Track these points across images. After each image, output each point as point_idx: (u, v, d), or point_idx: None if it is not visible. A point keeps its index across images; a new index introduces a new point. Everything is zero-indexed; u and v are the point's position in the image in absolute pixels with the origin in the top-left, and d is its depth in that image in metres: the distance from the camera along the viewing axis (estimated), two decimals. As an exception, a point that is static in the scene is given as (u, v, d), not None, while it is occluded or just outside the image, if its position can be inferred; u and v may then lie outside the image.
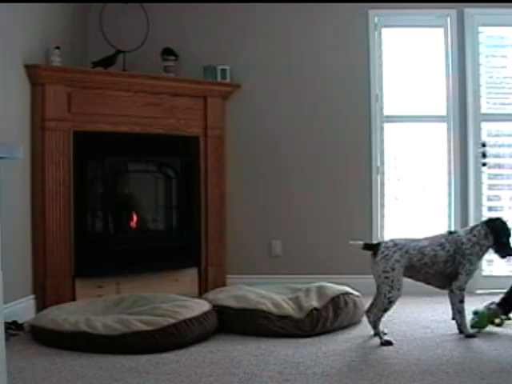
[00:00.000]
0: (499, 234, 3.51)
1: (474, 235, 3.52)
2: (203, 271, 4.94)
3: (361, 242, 3.56)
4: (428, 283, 3.62)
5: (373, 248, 3.50)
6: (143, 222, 4.91)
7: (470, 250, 3.49)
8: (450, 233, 3.65)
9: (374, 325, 3.48)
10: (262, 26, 5.10)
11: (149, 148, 4.71)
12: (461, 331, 3.55)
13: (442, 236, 3.60)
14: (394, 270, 3.40)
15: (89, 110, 4.41)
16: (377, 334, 3.45)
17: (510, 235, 3.54)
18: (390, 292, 3.38)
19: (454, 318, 3.62)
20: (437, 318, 4.00)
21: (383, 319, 3.48)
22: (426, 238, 3.59)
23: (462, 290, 3.52)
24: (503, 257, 3.60)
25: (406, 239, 3.54)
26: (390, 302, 3.40)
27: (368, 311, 3.61)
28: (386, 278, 3.40)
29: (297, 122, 5.08)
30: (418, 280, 3.60)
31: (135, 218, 4.81)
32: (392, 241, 3.51)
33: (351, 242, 3.61)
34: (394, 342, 3.37)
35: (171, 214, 4.92)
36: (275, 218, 5.09)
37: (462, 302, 3.53)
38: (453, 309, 3.59)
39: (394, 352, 3.23)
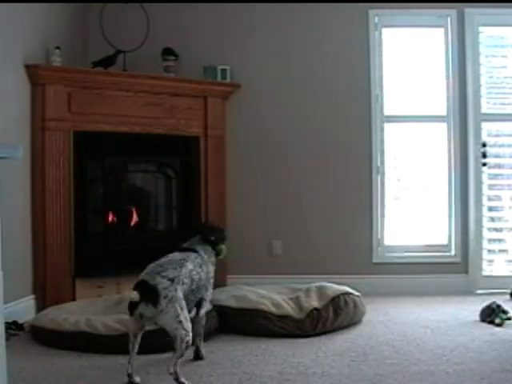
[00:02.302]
0: (215, 244, 3.24)
1: (211, 253, 3.21)
2: (203, 271, 4.93)
3: (135, 298, 2.80)
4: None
5: (148, 293, 2.75)
6: (143, 222, 4.90)
7: (213, 272, 3.19)
8: (194, 251, 3.14)
9: (177, 376, 2.69)
10: (262, 26, 5.10)
11: (149, 148, 4.71)
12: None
13: (195, 256, 3.08)
14: (182, 309, 2.78)
15: (89, 110, 4.41)
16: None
17: (220, 239, 3.28)
18: (186, 335, 2.74)
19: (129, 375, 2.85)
20: (437, 318, 4.00)
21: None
22: (185, 259, 3.00)
23: (204, 317, 3.18)
24: None
25: (173, 268, 2.89)
26: (188, 347, 2.76)
27: (130, 363, 2.83)
28: (180, 321, 2.73)
29: (297, 121, 5.08)
30: None
31: (135, 218, 4.81)
32: (165, 277, 2.80)
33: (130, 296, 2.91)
34: None
35: (171, 214, 4.93)
36: (275, 218, 5.09)
37: (203, 326, 3.20)
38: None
39: (394, 352, 3.23)
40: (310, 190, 5.07)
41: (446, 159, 5.05)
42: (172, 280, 2.81)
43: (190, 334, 2.76)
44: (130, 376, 2.81)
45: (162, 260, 3.01)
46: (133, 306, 2.79)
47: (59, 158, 4.27)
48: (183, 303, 2.81)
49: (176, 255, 3.06)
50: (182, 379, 2.70)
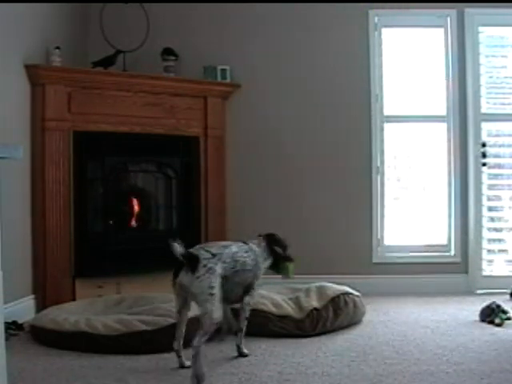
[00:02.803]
0: (277, 253, 3.31)
1: (264, 251, 3.28)
2: (203, 271, 4.93)
3: (181, 248, 2.86)
4: (225, 297, 3.00)
5: (190, 260, 2.89)
6: (143, 222, 4.90)
7: (263, 264, 3.27)
8: (244, 242, 3.24)
9: (197, 353, 2.78)
10: (262, 26, 5.10)
11: (149, 148, 4.71)
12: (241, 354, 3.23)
13: (242, 245, 3.19)
14: (217, 286, 2.90)
15: (89, 110, 4.41)
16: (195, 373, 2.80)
17: (284, 254, 3.34)
18: (214, 311, 2.85)
19: (177, 350, 3.04)
20: (437, 317, 4.00)
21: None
22: (232, 244, 3.14)
23: (250, 305, 3.25)
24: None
25: (217, 246, 3.06)
26: (215, 325, 2.87)
27: (178, 340, 3.02)
28: (211, 294, 2.86)
29: (297, 122, 5.09)
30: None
31: (135, 218, 4.81)
32: (207, 251, 2.96)
33: (172, 244, 2.90)
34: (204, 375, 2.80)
35: (171, 214, 4.93)
36: (275, 218, 5.08)
37: (247, 319, 3.24)
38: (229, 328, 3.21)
39: (394, 352, 3.23)
40: (309, 190, 5.07)
41: (446, 159, 5.05)
42: (214, 255, 2.95)
43: (219, 313, 2.86)
44: (177, 352, 3.00)
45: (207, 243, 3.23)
46: (175, 275, 2.93)
47: (59, 158, 4.27)
48: (219, 281, 2.91)
49: (222, 242, 3.24)
50: (201, 360, 2.75)
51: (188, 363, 2.90)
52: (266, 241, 3.32)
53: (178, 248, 2.85)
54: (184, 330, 3.01)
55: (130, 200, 4.81)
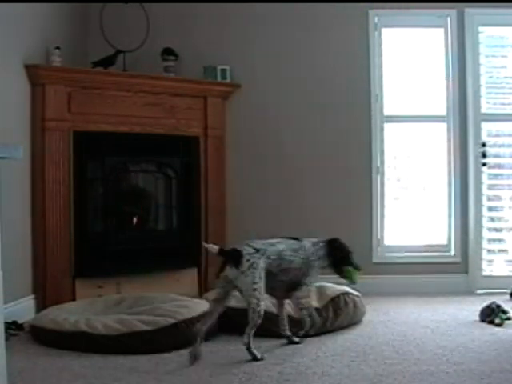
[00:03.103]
0: (337, 257, 3.40)
1: (319, 249, 3.39)
2: (203, 271, 4.94)
3: (216, 247, 3.11)
4: (271, 293, 3.29)
5: (232, 255, 3.08)
6: (143, 222, 4.91)
7: (317, 263, 3.36)
8: (296, 238, 3.40)
9: (248, 345, 3.07)
10: (262, 26, 5.10)
11: (149, 148, 4.71)
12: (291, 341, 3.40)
13: (292, 242, 3.34)
14: (261, 279, 3.07)
15: (89, 110, 4.41)
16: (252, 354, 3.10)
17: (347, 258, 3.43)
18: (258, 305, 3.05)
19: (286, 333, 3.42)
20: (437, 317, 4.00)
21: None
22: (279, 242, 3.30)
23: (303, 299, 3.37)
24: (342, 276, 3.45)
25: (262, 243, 3.22)
26: (260, 317, 3.07)
27: (200, 328, 3.14)
28: (255, 289, 3.05)
29: (297, 121, 5.09)
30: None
31: (135, 218, 4.81)
32: (251, 246, 3.14)
33: (205, 245, 3.18)
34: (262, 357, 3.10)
35: (171, 214, 4.93)
36: (275, 218, 5.08)
37: (309, 309, 3.41)
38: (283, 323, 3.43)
39: (394, 352, 3.23)
40: (309, 190, 5.07)
41: (446, 159, 5.05)
42: (257, 250, 3.11)
43: (262, 305, 3.04)
44: (196, 334, 3.09)
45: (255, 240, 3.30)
46: (221, 269, 3.09)
47: (59, 158, 4.27)
48: (262, 274, 3.07)
49: (272, 239, 3.31)
50: (254, 351, 3.05)
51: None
52: (328, 244, 3.42)
53: (213, 248, 3.07)
54: (214, 320, 3.20)
55: (130, 200, 4.81)
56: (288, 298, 3.41)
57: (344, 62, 5.06)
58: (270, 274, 3.15)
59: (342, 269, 3.41)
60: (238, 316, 3.67)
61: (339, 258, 3.40)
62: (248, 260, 3.05)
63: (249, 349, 3.06)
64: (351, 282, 3.47)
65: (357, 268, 3.43)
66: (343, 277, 3.45)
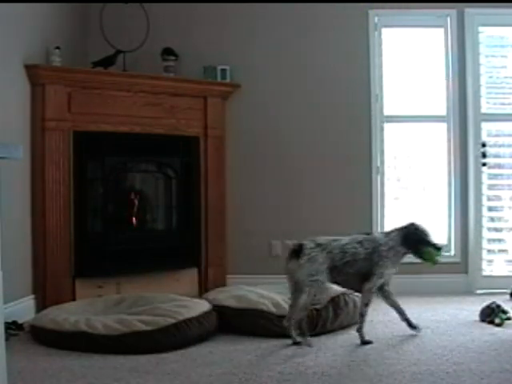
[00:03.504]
0: (413, 239, 3.48)
1: (391, 239, 3.47)
2: (203, 271, 4.94)
3: (291, 243, 3.44)
4: (346, 286, 3.56)
5: (294, 249, 3.37)
6: (143, 222, 4.91)
7: (386, 253, 3.43)
8: (367, 233, 3.62)
9: (288, 329, 3.38)
10: (263, 25, 5.10)
11: (149, 148, 4.71)
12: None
13: (359, 235, 3.52)
14: (319, 272, 3.30)
15: (89, 110, 4.41)
16: (292, 336, 3.39)
17: (423, 240, 3.50)
18: (316, 295, 3.32)
19: (405, 319, 3.58)
20: (437, 317, 4.00)
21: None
22: (344, 237, 3.50)
23: (370, 292, 3.44)
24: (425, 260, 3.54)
25: (326, 238, 3.44)
26: (307, 308, 3.35)
27: (289, 319, 3.42)
28: (313, 281, 3.30)
29: (297, 121, 5.09)
30: (337, 282, 3.53)
31: (135, 218, 4.81)
32: (313, 241, 3.38)
33: (286, 242, 3.44)
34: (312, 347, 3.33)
35: (171, 214, 4.93)
36: (275, 218, 5.09)
37: (367, 305, 3.46)
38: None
39: (394, 352, 3.23)
40: (309, 190, 5.07)
41: (446, 159, 5.05)
42: (319, 245, 3.35)
43: (321, 297, 3.37)
44: (288, 329, 3.39)
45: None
46: (287, 262, 3.38)
47: (59, 158, 4.27)
48: (322, 268, 3.30)
49: (341, 237, 3.51)
50: (310, 339, 3.33)
51: (299, 339, 3.39)
52: (402, 231, 3.50)
53: (290, 243, 3.44)
54: (297, 312, 3.35)
55: (130, 200, 4.81)
56: (360, 288, 3.51)
57: (344, 62, 5.06)
58: (335, 268, 3.36)
59: (420, 252, 3.49)
60: (238, 316, 3.69)
61: (415, 242, 3.48)
62: (308, 254, 3.29)
63: (289, 332, 3.37)
64: (432, 263, 3.53)
65: (436, 248, 3.49)
66: (423, 259, 3.53)
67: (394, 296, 3.60)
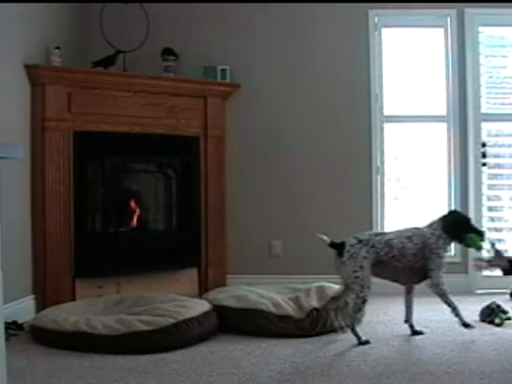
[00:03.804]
0: (455, 227, 3.50)
1: (435, 229, 3.50)
2: (203, 271, 4.94)
3: (328, 239, 3.48)
4: (394, 280, 3.57)
5: (338, 247, 3.43)
6: (143, 222, 4.90)
7: (436, 244, 3.46)
8: (415, 228, 3.59)
9: (352, 327, 3.42)
10: (263, 25, 5.10)
11: (149, 148, 4.71)
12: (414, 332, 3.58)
13: (407, 230, 3.54)
14: (362, 268, 3.36)
15: (89, 110, 4.41)
16: (356, 335, 3.41)
17: (465, 227, 3.53)
18: (362, 291, 3.36)
19: (406, 321, 3.63)
20: (437, 317, 4.00)
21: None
22: (392, 232, 3.56)
23: (437, 286, 3.47)
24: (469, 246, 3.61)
25: (369, 234, 3.52)
26: (364, 302, 3.39)
27: (335, 313, 3.56)
28: (356, 277, 3.36)
29: (297, 122, 5.08)
30: (384, 277, 3.56)
31: (135, 218, 4.80)
32: (355, 237, 3.44)
33: (320, 236, 3.48)
34: (370, 341, 3.39)
35: (171, 213, 4.93)
36: (275, 218, 5.09)
37: (445, 296, 3.50)
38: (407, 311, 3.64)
39: (394, 352, 3.23)
40: (309, 190, 5.07)
41: (446, 159, 5.05)
42: (360, 241, 3.39)
43: (366, 291, 3.34)
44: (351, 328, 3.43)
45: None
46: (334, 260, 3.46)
47: (59, 158, 4.27)
48: (365, 263, 3.35)
49: (388, 231, 3.64)
50: (359, 333, 3.35)
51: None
52: (443, 220, 3.52)
53: (326, 240, 3.44)
54: (351, 313, 3.43)
55: (130, 200, 4.81)
56: (414, 283, 3.56)
57: (344, 62, 5.06)
58: (380, 263, 3.41)
59: (464, 238, 3.51)
60: (237, 316, 3.69)
61: (458, 229, 3.50)
62: (348, 251, 3.36)
63: (353, 330, 3.37)
64: (476, 248, 3.56)
65: (479, 234, 3.52)
66: (467, 246, 3.58)
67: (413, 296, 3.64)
